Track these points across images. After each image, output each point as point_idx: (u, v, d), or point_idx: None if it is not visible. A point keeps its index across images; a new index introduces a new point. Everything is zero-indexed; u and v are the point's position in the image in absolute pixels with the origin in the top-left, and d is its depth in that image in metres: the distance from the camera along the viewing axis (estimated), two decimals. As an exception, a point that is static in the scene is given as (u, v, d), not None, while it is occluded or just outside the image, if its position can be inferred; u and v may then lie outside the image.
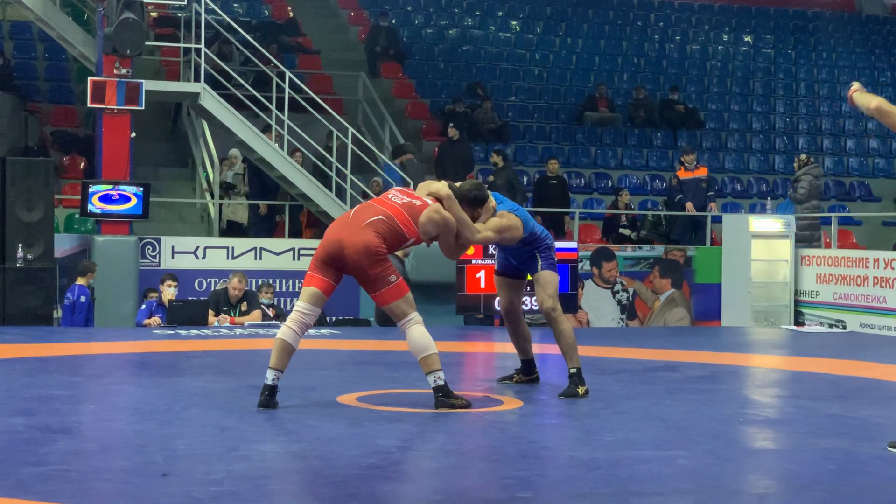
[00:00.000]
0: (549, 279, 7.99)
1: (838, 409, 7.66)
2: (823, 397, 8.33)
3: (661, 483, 5.27)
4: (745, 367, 10.54)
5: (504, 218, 7.73)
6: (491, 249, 8.54)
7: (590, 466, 5.58)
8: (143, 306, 13.57)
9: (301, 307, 7.05)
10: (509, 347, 11.82)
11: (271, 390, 6.96)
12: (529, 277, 8.25)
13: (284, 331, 7.04)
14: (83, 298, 13.21)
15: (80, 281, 13.31)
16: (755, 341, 13.68)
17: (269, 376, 6.96)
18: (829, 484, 5.32)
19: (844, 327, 15.31)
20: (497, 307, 13.92)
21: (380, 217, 7.04)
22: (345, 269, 7.05)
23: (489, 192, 7.86)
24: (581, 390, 7.76)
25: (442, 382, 7.03)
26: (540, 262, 8.00)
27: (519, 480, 5.27)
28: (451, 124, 18.04)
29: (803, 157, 17.59)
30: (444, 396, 7.04)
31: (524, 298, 14.16)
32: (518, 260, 8.12)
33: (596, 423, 6.86)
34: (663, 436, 6.47)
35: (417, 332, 6.98)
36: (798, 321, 16.08)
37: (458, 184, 7.71)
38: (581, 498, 4.96)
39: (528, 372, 8.48)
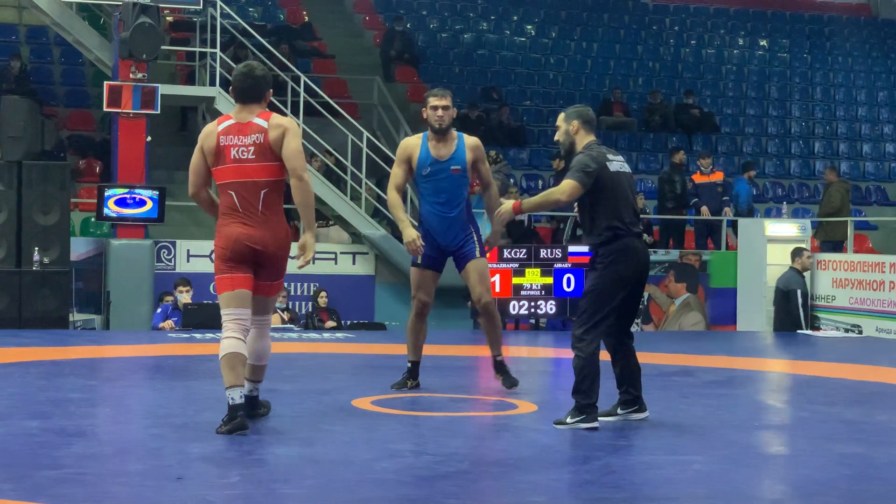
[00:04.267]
0: (486, 269, 8.00)
1: (854, 414, 7.63)
2: (839, 402, 8.30)
3: (676, 488, 5.26)
4: (761, 372, 10.51)
5: None
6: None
7: (604, 471, 5.57)
8: (159, 310, 13.61)
9: (234, 313, 6.47)
10: (523, 352, 11.85)
11: (249, 403, 6.55)
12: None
13: (229, 344, 6.40)
14: None
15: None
16: (770, 346, 13.64)
17: (235, 395, 6.29)
18: (845, 489, 5.30)
19: (860, 332, 15.25)
20: (513, 311, 13.93)
21: (264, 190, 6.39)
22: (259, 263, 6.50)
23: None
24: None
25: (256, 394, 6.77)
26: (478, 247, 7.88)
27: (533, 485, 5.26)
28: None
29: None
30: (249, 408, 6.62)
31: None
32: (450, 232, 7.84)
33: (610, 427, 6.84)
34: (678, 440, 6.45)
35: (268, 342, 6.76)
36: (814, 326, 16.03)
37: None
38: (595, 502, 4.95)
39: (416, 375, 8.20)
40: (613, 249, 6.68)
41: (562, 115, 6.96)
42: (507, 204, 6.91)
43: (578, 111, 6.93)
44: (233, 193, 6.43)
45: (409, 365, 8.16)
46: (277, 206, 6.46)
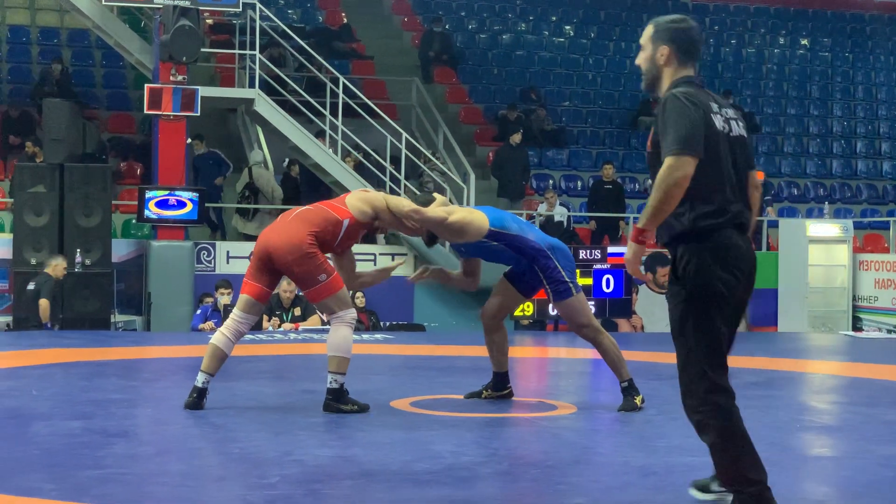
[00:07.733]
0: (573, 309, 7.48)
1: (897, 416, 7.57)
2: (881, 404, 8.22)
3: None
4: (802, 374, 10.44)
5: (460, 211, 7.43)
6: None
7: (644, 472, 5.55)
8: (199, 311, 13.68)
9: (236, 315, 7.17)
10: (563, 353, 11.82)
11: (200, 392, 7.08)
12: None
13: (218, 337, 7.18)
14: None
15: None
16: (812, 347, 13.54)
17: (200, 379, 7.09)
18: (887, 491, 5.26)
19: (903, 333, 15.13)
20: (552, 312, 13.90)
21: (307, 207, 7.24)
22: (278, 270, 7.11)
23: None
24: (637, 400, 7.50)
25: (336, 386, 7.00)
26: (551, 293, 7.45)
27: (572, 486, 5.25)
28: (521, 130, 18.24)
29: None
30: (333, 400, 7.00)
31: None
32: (519, 270, 7.58)
33: (650, 428, 6.82)
34: (718, 442, 6.40)
35: (340, 333, 6.99)
36: (856, 327, 15.91)
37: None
38: (635, 504, 4.93)
39: (499, 387, 7.86)
40: (705, 248, 4.55)
41: (648, 31, 4.70)
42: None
43: (671, 29, 4.63)
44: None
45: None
46: (311, 221, 7.03)
